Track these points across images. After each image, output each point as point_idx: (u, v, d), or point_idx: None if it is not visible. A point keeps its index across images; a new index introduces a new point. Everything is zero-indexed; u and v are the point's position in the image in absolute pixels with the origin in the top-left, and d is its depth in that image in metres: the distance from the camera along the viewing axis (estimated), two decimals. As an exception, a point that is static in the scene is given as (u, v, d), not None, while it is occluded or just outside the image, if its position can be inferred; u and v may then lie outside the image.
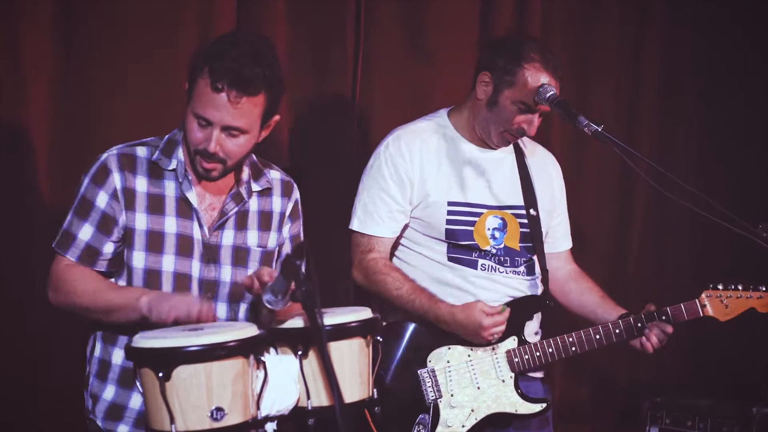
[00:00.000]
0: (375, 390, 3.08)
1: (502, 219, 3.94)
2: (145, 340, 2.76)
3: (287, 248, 3.48)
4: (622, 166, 3.79)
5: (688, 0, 5.89)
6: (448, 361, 3.82)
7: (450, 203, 3.88)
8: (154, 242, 3.23)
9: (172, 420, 2.68)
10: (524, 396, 3.86)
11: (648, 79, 5.86)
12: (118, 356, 3.26)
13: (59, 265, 3.24)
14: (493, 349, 3.84)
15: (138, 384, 2.77)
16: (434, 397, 3.78)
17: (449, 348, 3.83)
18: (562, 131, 5.31)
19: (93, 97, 4.08)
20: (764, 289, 3.98)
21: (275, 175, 3.48)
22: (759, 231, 3.64)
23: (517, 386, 3.86)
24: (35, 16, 3.94)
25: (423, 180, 3.87)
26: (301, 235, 3.54)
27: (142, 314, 3.05)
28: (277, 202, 3.45)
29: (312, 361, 2.91)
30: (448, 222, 3.87)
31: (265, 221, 3.42)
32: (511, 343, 3.87)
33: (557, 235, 4.21)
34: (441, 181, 3.88)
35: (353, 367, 2.98)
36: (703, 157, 6.01)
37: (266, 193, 3.43)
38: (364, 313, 3.06)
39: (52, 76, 4.00)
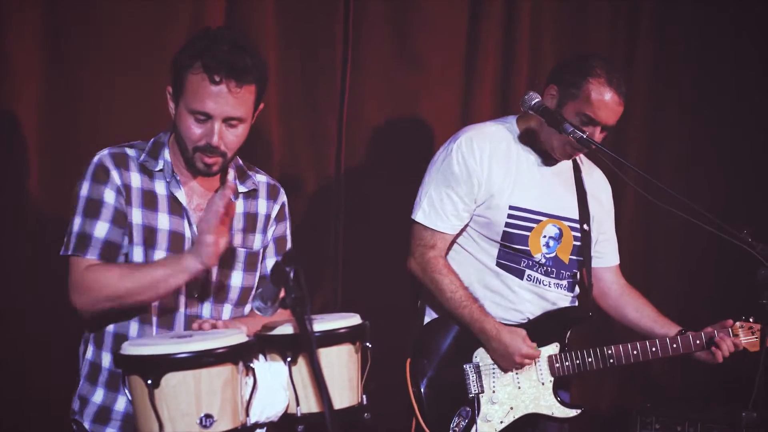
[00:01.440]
0: (365, 396, 3.09)
1: (560, 229, 4.03)
2: (134, 348, 2.76)
3: (271, 249, 3.49)
4: (609, 170, 3.80)
5: (679, 0, 5.92)
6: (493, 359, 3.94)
7: (511, 207, 3.95)
8: (149, 237, 3.24)
9: (161, 427, 2.68)
10: (561, 401, 3.98)
11: (640, 81, 5.88)
12: (107, 360, 3.25)
13: (80, 267, 3.18)
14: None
15: (126, 391, 2.76)
16: (477, 392, 3.90)
17: None
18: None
19: (82, 100, 4.07)
20: (752, 320, 4.15)
21: (261, 178, 3.51)
22: (744, 236, 3.66)
23: (555, 390, 3.98)
24: (23, 21, 3.93)
25: (490, 182, 3.92)
26: (288, 237, 3.54)
27: (191, 274, 3.09)
28: (262, 205, 3.47)
29: (301, 367, 2.92)
30: (507, 225, 3.95)
31: (250, 223, 3.43)
32: (554, 348, 3.99)
33: (608, 250, 4.29)
34: (506, 185, 3.94)
35: (342, 373, 2.99)
36: (696, 155, 6.04)
37: (252, 195, 3.45)
38: (354, 320, 3.07)
39: (40, 80, 4.00)
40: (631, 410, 5.36)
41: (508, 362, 3.90)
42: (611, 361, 3.99)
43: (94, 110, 4.09)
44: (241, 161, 3.45)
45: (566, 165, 4.09)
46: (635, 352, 4.03)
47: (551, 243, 4.00)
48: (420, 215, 3.97)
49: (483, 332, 3.90)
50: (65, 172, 3.89)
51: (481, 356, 3.94)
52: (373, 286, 4.70)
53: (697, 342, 4.08)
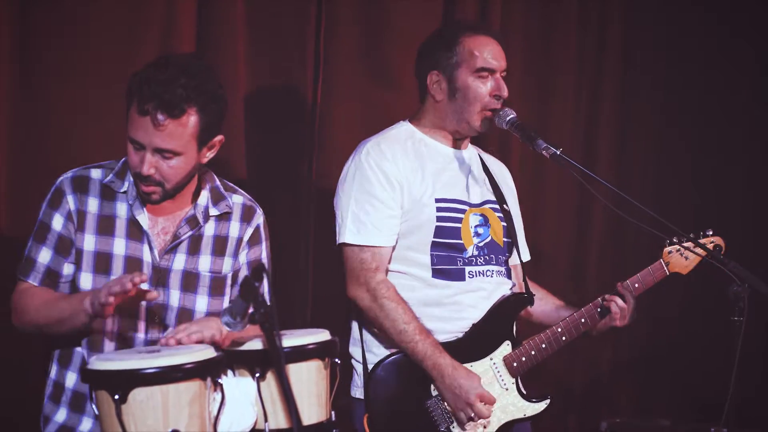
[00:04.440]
0: (333, 412, 3.08)
1: (483, 215, 3.90)
2: (102, 362, 2.75)
3: (244, 273, 3.43)
4: (580, 183, 3.79)
5: (648, 1, 5.96)
6: None
7: (438, 200, 3.79)
8: (102, 263, 3.22)
9: (128, 443, 2.67)
10: (529, 398, 3.82)
11: (608, 80, 5.90)
12: (71, 379, 3.23)
13: (18, 288, 3.26)
14: (491, 358, 3.80)
15: (93, 407, 2.75)
16: (446, 425, 3.70)
17: None
18: (522, 147, 5.31)
19: (52, 117, 4.02)
20: (711, 233, 3.98)
21: (237, 199, 3.45)
22: (716, 253, 3.67)
23: (520, 390, 3.82)
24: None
25: (410, 182, 3.77)
26: (264, 259, 3.49)
27: (88, 315, 3.01)
28: (234, 227, 3.42)
29: (269, 383, 2.91)
30: (438, 219, 3.77)
31: (219, 246, 3.38)
32: (506, 348, 3.82)
33: (518, 247, 4.11)
34: (426, 181, 3.80)
35: (311, 389, 2.99)
36: (666, 155, 6.06)
37: (224, 217, 3.40)
38: (322, 336, 3.07)
39: (9, 97, 3.95)
40: (600, 426, 5.36)
41: (460, 403, 3.67)
42: (563, 338, 3.85)
43: (64, 127, 4.04)
44: (218, 182, 3.42)
45: (472, 151, 4.01)
46: (583, 320, 3.89)
47: (480, 230, 3.86)
48: (349, 236, 3.74)
49: (437, 368, 3.67)
50: (33, 190, 3.84)
51: None
52: (343, 302, 4.67)
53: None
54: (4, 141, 3.95)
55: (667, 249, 4.00)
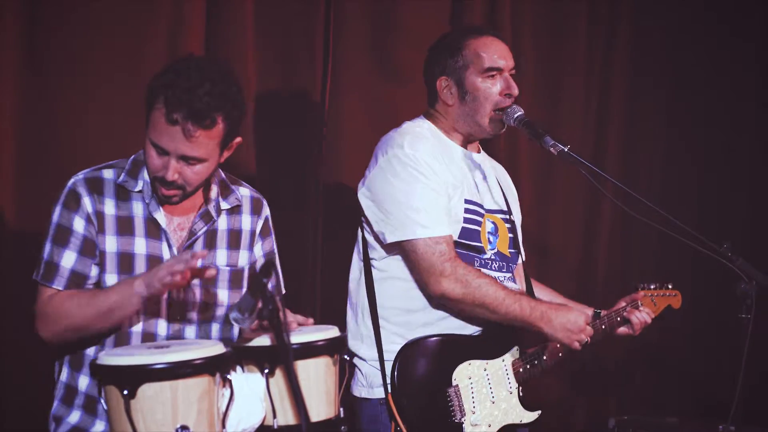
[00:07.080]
0: (342, 409, 3.09)
1: (494, 223, 3.90)
2: (111, 357, 2.75)
3: None
4: (589, 181, 3.79)
5: (656, 1, 5.97)
6: (470, 377, 3.74)
7: (467, 201, 3.77)
8: (125, 264, 3.20)
9: (136, 438, 2.67)
10: (526, 406, 3.85)
11: (617, 80, 5.91)
12: (83, 382, 3.22)
13: (43, 296, 3.18)
14: (503, 360, 3.82)
15: (102, 401, 2.75)
16: (461, 417, 3.70)
17: (469, 363, 3.74)
18: (530, 144, 5.32)
19: (60, 115, 4.01)
20: (671, 287, 4.27)
21: (245, 192, 3.46)
22: (724, 251, 3.67)
23: (520, 397, 3.85)
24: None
25: (446, 179, 3.73)
26: (275, 250, 3.52)
27: (142, 298, 3.02)
28: (246, 220, 3.43)
29: (278, 379, 2.92)
30: (465, 221, 3.75)
31: (234, 240, 3.39)
32: (515, 353, 3.86)
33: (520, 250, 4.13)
34: (455, 179, 3.77)
35: (320, 385, 2.99)
36: (671, 156, 6.07)
37: (235, 210, 3.41)
38: (332, 332, 3.08)
39: (16, 92, 3.95)
40: (608, 423, 5.36)
41: (575, 334, 3.73)
42: (560, 354, 3.92)
43: (71, 125, 4.04)
44: (224, 174, 3.42)
45: (482, 155, 4.01)
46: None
47: (491, 238, 3.86)
48: (420, 231, 3.63)
49: (544, 315, 3.70)
50: (42, 188, 3.85)
51: (459, 377, 3.72)
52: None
53: (618, 319, 4.05)
54: (12, 138, 3.95)
55: (644, 293, 4.16)
